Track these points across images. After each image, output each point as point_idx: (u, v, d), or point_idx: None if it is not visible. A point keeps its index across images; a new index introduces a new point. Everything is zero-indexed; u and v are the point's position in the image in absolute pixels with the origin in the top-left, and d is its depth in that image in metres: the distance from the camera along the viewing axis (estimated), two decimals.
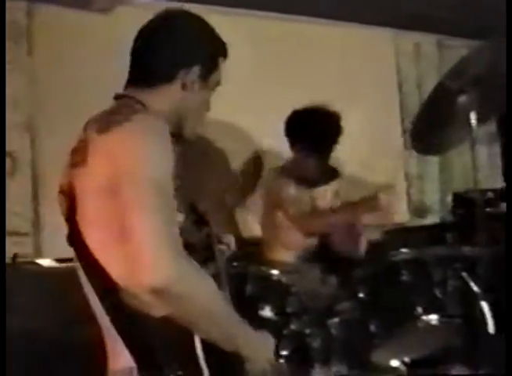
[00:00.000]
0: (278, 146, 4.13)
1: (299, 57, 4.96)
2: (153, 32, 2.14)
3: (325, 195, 4.01)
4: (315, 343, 3.15)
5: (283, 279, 3.13)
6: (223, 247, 2.68)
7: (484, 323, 3.30)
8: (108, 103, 2.05)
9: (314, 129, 3.84)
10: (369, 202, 3.63)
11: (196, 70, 2.11)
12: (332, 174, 4.04)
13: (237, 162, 4.68)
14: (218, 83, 2.22)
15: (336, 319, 3.18)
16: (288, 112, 3.96)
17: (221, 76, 2.23)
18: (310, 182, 3.94)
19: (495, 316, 3.33)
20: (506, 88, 3.25)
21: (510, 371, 2.67)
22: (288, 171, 3.96)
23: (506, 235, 3.30)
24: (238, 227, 4.60)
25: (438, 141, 3.51)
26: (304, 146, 3.89)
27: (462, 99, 3.20)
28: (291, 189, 3.87)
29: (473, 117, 3.18)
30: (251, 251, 3.97)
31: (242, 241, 4.33)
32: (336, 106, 3.92)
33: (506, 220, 3.72)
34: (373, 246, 3.88)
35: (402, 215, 4.47)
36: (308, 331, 3.14)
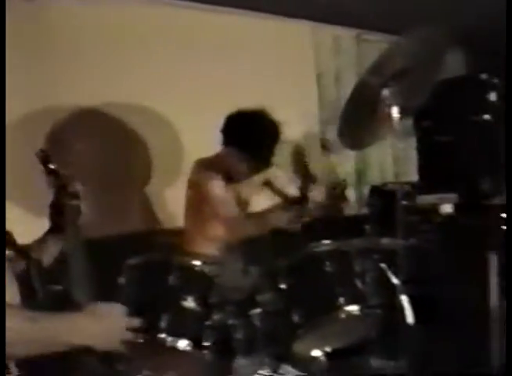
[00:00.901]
0: (201, 139, 4.12)
1: (218, 48, 4.96)
2: None
3: (252, 189, 4.03)
4: (238, 334, 3.16)
5: (206, 270, 3.11)
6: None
7: (403, 314, 3.37)
8: None
9: (249, 134, 3.85)
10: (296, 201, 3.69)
11: None
12: (259, 167, 4.06)
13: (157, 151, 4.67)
14: None
15: (258, 310, 3.19)
16: (205, 105, 3.96)
17: None
18: (237, 175, 3.95)
19: (414, 307, 3.40)
20: (506, 88, 3.33)
21: (510, 371, 2.73)
22: (214, 165, 3.95)
23: (506, 235, 3.39)
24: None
25: (364, 136, 3.56)
26: (238, 149, 3.89)
27: (384, 93, 3.25)
28: (217, 184, 3.87)
29: (395, 112, 3.23)
30: (174, 241, 3.97)
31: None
32: (256, 96, 3.94)
33: (506, 220, 3.82)
34: (294, 237, 3.91)
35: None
36: (230, 322, 3.14)
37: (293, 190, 3.96)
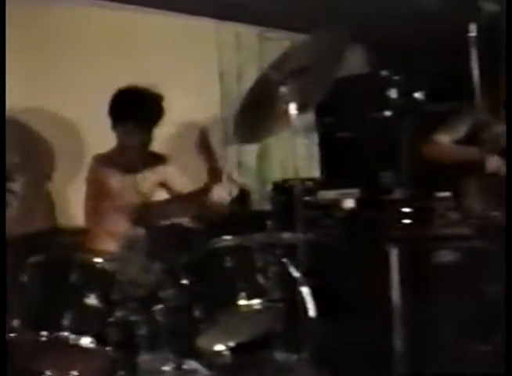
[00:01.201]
0: (102, 133, 4.08)
1: (120, 46, 4.93)
2: None
3: (150, 181, 4.02)
4: (141, 330, 3.15)
5: (107, 267, 3.10)
6: None
7: (305, 308, 3.41)
8: None
9: (136, 109, 3.84)
10: (200, 195, 3.69)
11: None
12: (156, 160, 4.05)
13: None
14: None
15: (161, 306, 3.19)
16: (106, 102, 3.93)
17: None
18: (133, 168, 3.94)
19: (315, 301, 3.45)
20: (507, 87, 3.36)
21: (510, 371, 2.76)
22: (111, 159, 3.94)
23: (506, 236, 3.42)
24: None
25: (259, 131, 3.59)
26: (125, 125, 3.87)
27: (282, 90, 3.28)
28: (115, 178, 3.85)
29: (292, 108, 3.27)
30: (75, 239, 3.93)
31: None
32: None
33: (506, 221, 3.85)
34: (196, 233, 3.92)
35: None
36: (133, 319, 3.14)
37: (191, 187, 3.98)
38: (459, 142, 4.07)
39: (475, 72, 2.90)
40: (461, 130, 4.00)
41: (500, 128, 3.87)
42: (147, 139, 3.96)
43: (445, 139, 4.15)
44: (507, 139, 3.56)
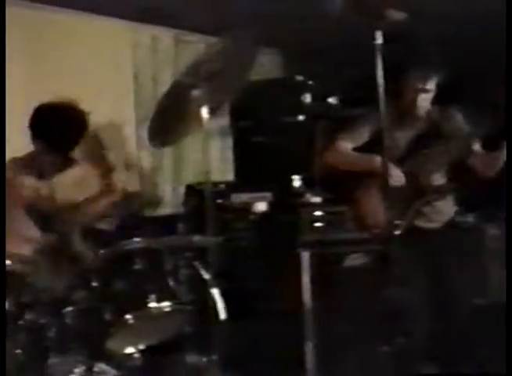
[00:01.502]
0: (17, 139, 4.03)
1: (39, 45, 4.87)
2: None
3: (63, 185, 3.98)
4: (51, 333, 3.13)
5: (18, 270, 3.08)
6: None
7: (216, 311, 3.43)
8: None
9: (57, 127, 3.81)
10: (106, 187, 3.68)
11: None
12: (69, 163, 4.02)
13: None
14: None
15: (71, 309, 3.17)
16: (28, 101, 3.88)
17: None
18: (47, 173, 3.90)
19: (227, 304, 3.48)
20: (506, 87, 3.39)
21: (510, 371, 2.78)
22: (26, 163, 3.89)
23: (506, 237, 3.45)
24: None
25: (173, 134, 3.61)
26: (45, 143, 3.83)
27: (194, 93, 3.30)
28: (28, 183, 3.82)
29: (204, 111, 3.30)
30: None
31: None
32: (73, 93, 3.91)
33: (506, 221, 3.88)
34: (107, 235, 3.91)
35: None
36: (43, 321, 3.12)
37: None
38: (361, 149, 4.08)
39: (380, 80, 2.94)
40: (361, 137, 4.02)
41: (401, 136, 3.95)
42: (65, 152, 3.93)
43: (344, 145, 4.12)
44: (507, 139, 3.64)
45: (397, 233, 3.31)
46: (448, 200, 4.03)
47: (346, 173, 4.05)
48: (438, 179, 4.01)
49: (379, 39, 2.91)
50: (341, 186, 4.20)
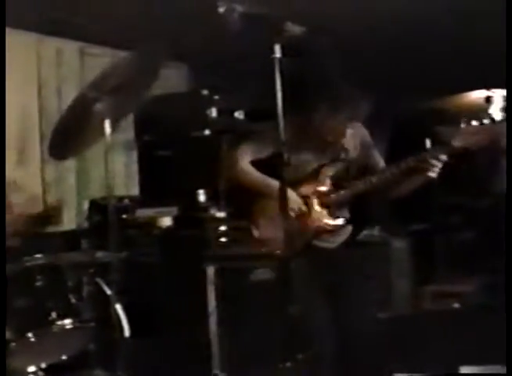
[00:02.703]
0: None
1: None
2: None
3: None
4: None
5: None
6: None
7: (120, 327, 3.40)
8: None
9: None
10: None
11: None
12: None
13: None
14: None
15: None
16: None
17: None
18: None
19: (131, 321, 3.45)
20: (507, 88, 3.35)
21: (510, 371, 2.75)
22: None
23: (506, 240, 3.40)
24: None
25: (73, 146, 3.57)
26: None
27: (97, 107, 3.28)
28: None
29: (107, 125, 3.28)
30: None
31: None
32: None
33: (506, 222, 3.82)
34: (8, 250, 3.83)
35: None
36: None
37: None
38: (264, 165, 3.99)
39: (278, 94, 2.95)
40: (262, 151, 3.91)
41: (309, 159, 3.88)
42: None
43: (243, 156, 3.98)
44: (507, 139, 3.64)
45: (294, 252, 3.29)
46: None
47: (247, 188, 4.00)
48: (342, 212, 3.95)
49: (277, 53, 2.92)
50: (243, 201, 4.18)
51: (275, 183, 3.65)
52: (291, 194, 3.62)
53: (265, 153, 3.83)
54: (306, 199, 3.76)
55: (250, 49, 4.84)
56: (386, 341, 3.77)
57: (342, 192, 3.76)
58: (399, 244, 6.92)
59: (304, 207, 3.73)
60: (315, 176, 3.81)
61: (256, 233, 3.90)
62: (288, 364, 2.92)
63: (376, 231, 6.75)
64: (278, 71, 2.93)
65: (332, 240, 3.80)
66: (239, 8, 2.83)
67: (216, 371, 4.16)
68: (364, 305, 3.77)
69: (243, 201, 4.09)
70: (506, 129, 3.52)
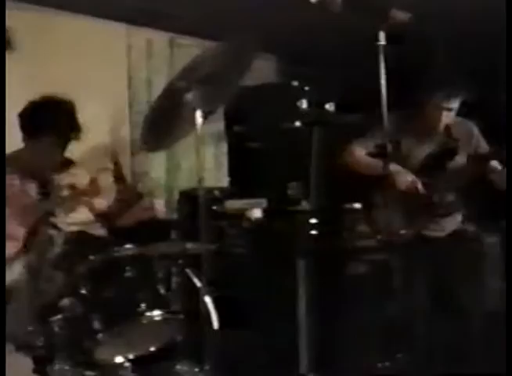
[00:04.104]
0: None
1: (34, 48, 4.80)
2: None
3: (58, 185, 3.90)
4: (38, 341, 3.05)
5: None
6: None
7: (209, 319, 3.36)
8: None
9: (49, 120, 3.74)
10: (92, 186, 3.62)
11: None
12: (66, 164, 3.95)
13: None
14: None
15: (59, 317, 3.09)
16: (14, 104, 3.81)
17: None
18: (39, 173, 3.82)
19: (220, 312, 3.41)
20: (506, 89, 3.33)
21: (510, 371, 2.72)
22: (17, 161, 3.81)
23: (506, 239, 3.40)
24: None
25: (165, 138, 3.54)
26: (37, 142, 3.76)
27: (188, 97, 3.23)
28: (19, 182, 3.74)
29: (198, 116, 3.22)
30: None
31: None
32: (67, 96, 3.84)
33: (506, 223, 3.82)
34: (97, 241, 3.83)
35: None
36: (30, 329, 3.04)
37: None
38: (375, 154, 4.09)
39: (383, 82, 2.88)
40: (373, 142, 4.02)
41: (418, 149, 3.92)
42: (60, 153, 3.86)
43: (359, 150, 4.18)
44: (507, 139, 3.59)
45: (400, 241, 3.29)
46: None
47: (357, 178, 4.06)
48: (449, 196, 3.99)
49: (382, 41, 2.83)
50: (348, 192, 4.20)
51: (396, 166, 3.70)
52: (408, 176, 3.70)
53: (376, 143, 3.87)
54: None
55: (344, 38, 4.79)
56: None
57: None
58: (492, 240, 6.75)
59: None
60: (422, 166, 3.83)
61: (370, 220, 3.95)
62: (386, 364, 2.83)
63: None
64: (382, 59, 2.86)
65: (441, 228, 3.80)
66: None
67: (303, 370, 4.12)
68: (470, 299, 3.70)
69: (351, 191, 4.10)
70: (506, 129, 3.45)
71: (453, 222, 4.01)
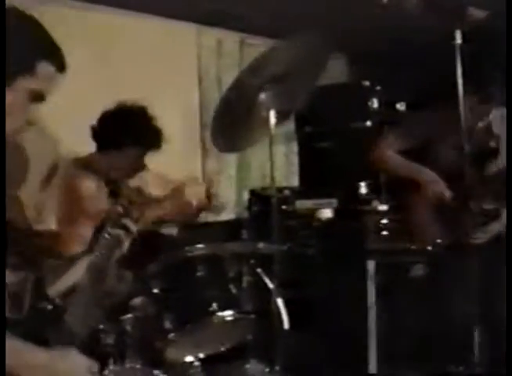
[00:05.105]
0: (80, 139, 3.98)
1: (105, 49, 4.85)
2: None
3: (127, 187, 3.92)
4: (109, 339, 3.06)
5: None
6: None
7: (279, 319, 3.34)
8: None
9: (132, 135, 3.75)
10: (175, 195, 3.60)
11: None
12: (140, 168, 3.97)
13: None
14: (38, 93, 2.07)
15: (130, 315, 3.10)
16: (93, 107, 3.84)
17: (48, 87, 2.09)
18: (111, 176, 3.85)
19: (290, 312, 3.38)
20: (506, 89, 3.30)
21: (510, 371, 2.70)
22: (89, 164, 3.84)
23: (506, 239, 3.37)
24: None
25: (238, 139, 3.51)
26: (119, 149, 3.78)
27: (262, 96, 3.20)
28: (91, 184, 3.76)
29: (272, 115, 3.20)
30: (44, 244, 3.83)
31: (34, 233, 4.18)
32: (138, 97, 3.86)
33: (507, 223, 3.79)
34: (169, 240, 3.85)
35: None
36: (101, 327, 3.05)
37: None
38: (409, 155, 3.97)
39: (459, 82, 2.83)
40: (410, 140, 3.91)
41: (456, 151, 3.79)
42: (141, 162, 3.88)
43: (390, 146, 4.03)
44: (507, 139, 3.51)
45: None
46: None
47: (405, 179, 3.97)
48: (490, 202, 3.85)
49: (458, 39, 2.78)
50: (401, 193, 4.12)
51: (426, 170, 3.61)
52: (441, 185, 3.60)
53: (412, 143, 3.79)
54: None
55: (418, 37, 4.73)
56: None
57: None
58: None
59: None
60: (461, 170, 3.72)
61: (413, 225, 3.85)
62: (461, 368, 2.79)
63: None
64: (459, 58, 2.81)
65: (482, 234, 3.69)
66: None
67: (372, 370, 4.08)
68: None
69: (401, 193, 4.02)
70: (506, 130, 3.33)
71: (495, 227, 3.85)
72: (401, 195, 4.12)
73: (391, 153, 3.98)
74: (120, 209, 2.73)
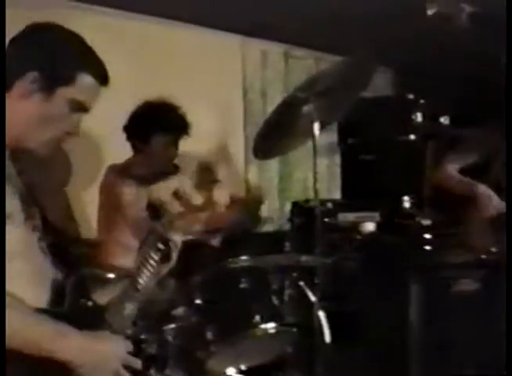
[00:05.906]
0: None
1: (149, 59, 4.88)
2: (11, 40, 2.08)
3: (163, 192, 3.92)
4: (151, 349, 3.07)
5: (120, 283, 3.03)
6: None
7: (321, 333, 3.33)
8: None
9: (164, 122, 3.80)
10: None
11: (30, 76, 2.01)
12: (171, 170, 3.98)
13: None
14: (79, 104, 2.12)
15: (172, 326, 3.11)
16: (126, 113, 3.88)
17: (90, 99, 2.14)
18: (148, 178, 3.86)
19: (332, 326, 3.37)
20: (506, 89, 3.29)
21: (510, 371, 2.69)
22: (126, 170, 3.87)
23: (506, 240, 3.35)
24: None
25: (279, 148, 3.54)
26: (149, 141, 3.82)
27: (306, 108, 3.21)
28: (129, 190, 3.78)
29: (316, 127, 3.20)
30: (86, 252, 3.85)
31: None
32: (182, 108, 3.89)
33: (506, 223, 3.77)
34: (212, 252, 3.86)
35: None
36: (143, 337, 3.06)
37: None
38: (467, 172, 3.98)
39: (509, 97, 2.80)
40: (469, 158, 3.91)
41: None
42: (174, 152, 3.91)
43: (452, 166, 4.06)
44: (507, 139, 3.48)
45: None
46: None
47: (456, 195, 3.95)
48: None
49: (504, 58, 2.76)
50: (451, 208, 4.09)
51: (483, 188, 3.58)
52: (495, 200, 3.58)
53: (471, 160, 3.76)
54: None
55: (461, 51, 4.70)
56: None
57: None
58: None
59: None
60: None
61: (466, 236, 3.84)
62: None
63: None
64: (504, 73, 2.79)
65: None
66: (467, 8, 2.70)
67: None
68: None
69: (450, 208, 4.00)
70: (506, 130, 3.27)
71: None
72: (449, 210, 4.11)
73: (453, 171, 4.02)
74: (161, 228, 2.72)
